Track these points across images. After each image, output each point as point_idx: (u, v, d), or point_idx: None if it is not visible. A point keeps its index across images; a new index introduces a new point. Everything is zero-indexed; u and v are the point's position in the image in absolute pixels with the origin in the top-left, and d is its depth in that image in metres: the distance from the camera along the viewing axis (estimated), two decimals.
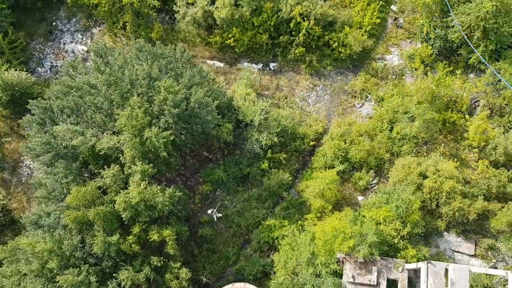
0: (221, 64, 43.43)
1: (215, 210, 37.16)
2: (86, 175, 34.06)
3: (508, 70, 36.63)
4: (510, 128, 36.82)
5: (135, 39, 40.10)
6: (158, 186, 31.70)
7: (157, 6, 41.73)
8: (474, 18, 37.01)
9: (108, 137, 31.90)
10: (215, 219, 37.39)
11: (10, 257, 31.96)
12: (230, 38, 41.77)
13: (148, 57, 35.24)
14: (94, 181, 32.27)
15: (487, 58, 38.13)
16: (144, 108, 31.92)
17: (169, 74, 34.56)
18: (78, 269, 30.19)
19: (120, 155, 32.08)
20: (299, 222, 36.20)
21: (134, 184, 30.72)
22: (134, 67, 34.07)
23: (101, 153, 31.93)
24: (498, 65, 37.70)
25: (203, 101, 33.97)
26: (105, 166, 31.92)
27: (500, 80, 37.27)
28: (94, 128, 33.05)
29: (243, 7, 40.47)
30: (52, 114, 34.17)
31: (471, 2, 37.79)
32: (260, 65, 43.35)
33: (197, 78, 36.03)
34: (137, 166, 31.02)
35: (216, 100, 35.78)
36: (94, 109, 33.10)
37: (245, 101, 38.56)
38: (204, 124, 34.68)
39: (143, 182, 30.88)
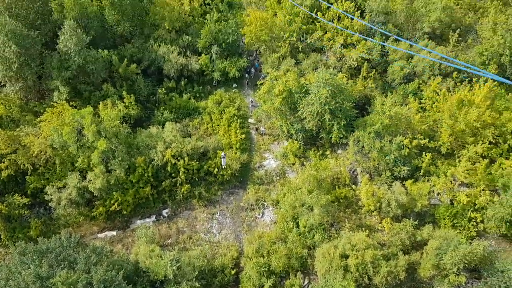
0: (114, 233, 41.70)
1: None
2: None
3: (365, 136, 41.38)
4: (392, 182, 40.62)
5: (14, 245, 36.89)
6: None
7: (27, 203, 39.64)
8: (318, 106, 42.03)
9: None
10: None
11: None
12: (113, 204, 40.94)
13: (34, 257, 32.48)
14: None
15: (344, 133, 42.89)
16: None
17: (61, 265, 32.03)
18: None
19: None
20: None
21: None
22: (21, 274, 30.95)
23: None
24: (356, 135, 42.49)
25: (107, 277, 31.76)
26: None
27: (363, 147, 41.81)
28: None
29: (116, 171, 40.59)
30: None
31: (309, 94, 43.14)
32: (153, 217, 42.64)
33: (93, 258, 33.89)
34: None
35: (121, 271, 33.70)
36: None
37: (152, 258, 36.90)
38: None
39: None
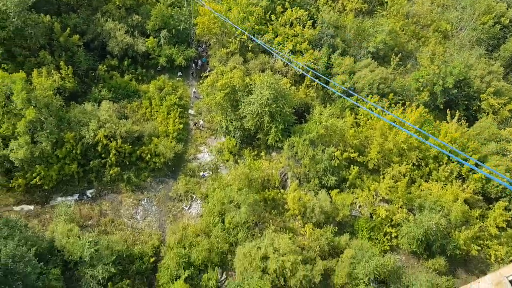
0: (31, 207, 39.70)
1: None
2: None
3: (299, 142, 42.53)
4: (319, 190, 42.09)
5: None
6: None
7: None
8: (258, 106, 42.61)
9: None
10: None
11: None
12: (35, 178, 38.95)
13: None
14: None
15: (280, 137, 43.83)
16: None
17: None
18: None
19: None
20: None
21: None
22: None
23: None
24: (291, 140, 43.55)
25: (17, 253, 30.34)
26: None
27: (297, 153, 42.95)
28: None
29: (42, 143, 38.69)
30: None
31: (252, 93, 43.64)
32: (75, 196, 41.10)
33: (4, 231, 32.23)
34: None
35: (34, 247, 32.35)
36: None
37: (69, 238, 35.60)
38: (25, 278, 30.52)
39: None
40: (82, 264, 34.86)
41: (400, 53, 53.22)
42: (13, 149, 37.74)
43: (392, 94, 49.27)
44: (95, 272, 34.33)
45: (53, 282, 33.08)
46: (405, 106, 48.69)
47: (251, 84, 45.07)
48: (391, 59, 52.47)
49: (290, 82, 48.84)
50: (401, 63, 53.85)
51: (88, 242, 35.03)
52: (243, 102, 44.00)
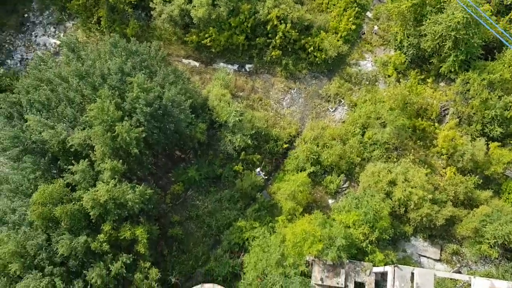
0: (197, 64, 43.22)
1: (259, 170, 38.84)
2: (55, 171, 33.22)
3: (476, 80, 37.65)
4: (477, 137, 37.83)
5: (110, 34, 39.46)
6: (129, 184, 31.28)
7: (133, 2, 41.21)
8: (445, 28, 37.90)
9: (79, 132, 31.32)
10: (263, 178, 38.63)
11: None
12: (206, 38, 41.58)
13: (123, 53, 34.70)
14: (62, 178, 31.48)
15: (457, 68, 39.15)
16: (115, 101, 31.46)
17: (143, 71, 34.14)
18: (41, 272, 29.19)
19: (91, 151, 31.55)
20: (270, 224, 36.24)
21: (103, 182, 30.22)
22: (107, 62, 33.59)
23: (71, 149, 31.32)
24: (467, 75, 38.71)
25: (176, 99, 33.75)
26: (74, 162, 31.28)
27: (468, 90, 38.30)
28: (65, 123, 32.37)
29: (220, 7, 40.39)
30: (21, 108, 33.30)
31: (443, 12, 38.74)
32: (236, 66, 43.35)
33: (171, 77, 35.77)
34: (106, 163, 30.55)
35: (190, 99, 35.62)
36: (66, 102, 32.48)
37: (220, 101, 38.43)
38: (177, 123, 34.41)
39: (113, 180, 30.43)
40: (225, 128, 37.78)
41: None
42: (195, 6, 40.19)
43: None
44: (234, 139, 37.09)
45: (198, 134, 36.70)
46: None
47: (444, 1, 39.77)
48: None
49: (492, 11, 41.87)
50: None
51: (235, 111, 37.46)
52: (429, 19, 39.41)
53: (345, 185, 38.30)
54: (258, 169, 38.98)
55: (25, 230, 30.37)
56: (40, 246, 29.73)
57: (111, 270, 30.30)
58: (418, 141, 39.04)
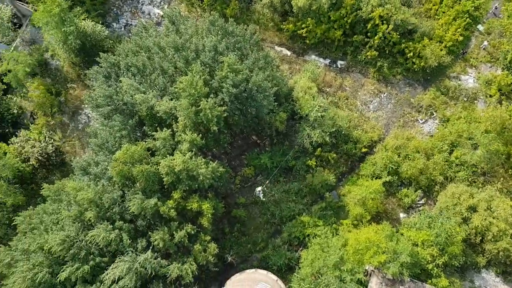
0: (288, 53, 42.96)
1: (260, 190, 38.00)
2: (139, 134, 34.99)
3: None
4: None
5: (210, 12, 40.38)
6: (203, 159, 32.11)
7: None
8: None
9: (167, 102, 32.59)
10: (261, 197, 37.86)
11: (54, 196, 33.56)
12: (303, 28, 41.12)
13: (219, 32, 35.40)
14: (145, 142, 33.11)
15: None
16: (204, 77, 32.27)
17: (235, 52, 34.62)
18: (112, 225, 31.11)
19: (174, 122, 32.74)
20: (334, 225, 35.54)
21: (181, 153, 31.28)
22: (203, 39, 34.49)
23: (158, 115, 32.72)
24: None
25: (262, 85, 33.83)
26: (158, 129, 32.71)
27: None
28: (155, 91, 33.85)
29: None
30: (119, 70, 35.29)
31: None
32: (327, 61, 42.49)
33: (261, 62, 35.90)
34: (186, 135, 31.57)
35: (276, 87, 35.55)
36: (159, 71, 33.91)
37: (305, 94, 37.97)
38: (259, 108, 34.57)
39: (190, 152, 31.40)
40: (305, 121, 37.31)
41: None
42: None
43: None
44: (312, 133, 36.52)
45: (278, 123, 36.66)
46: None
47: None
48: None
49: None
50: None
51: (319, 105, 36.84)
52: None
53: (420, 202, 36.32)
54: (259, 188, 38.04)
55: (104, 183, 32.47)
56: (115, 201, 31.62)
57: (174, 236, 31.43)
58: (510, 170, 35.87)
